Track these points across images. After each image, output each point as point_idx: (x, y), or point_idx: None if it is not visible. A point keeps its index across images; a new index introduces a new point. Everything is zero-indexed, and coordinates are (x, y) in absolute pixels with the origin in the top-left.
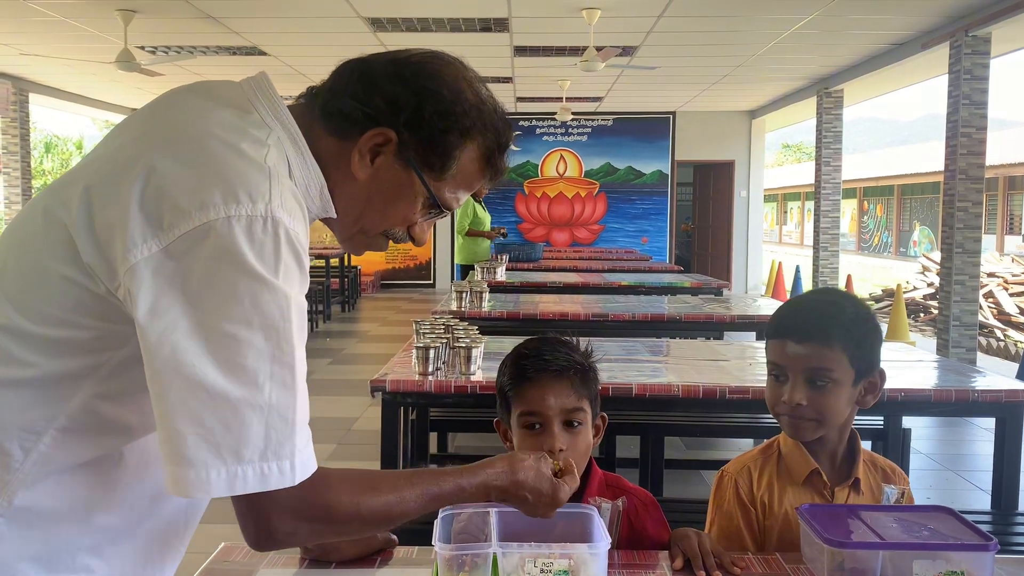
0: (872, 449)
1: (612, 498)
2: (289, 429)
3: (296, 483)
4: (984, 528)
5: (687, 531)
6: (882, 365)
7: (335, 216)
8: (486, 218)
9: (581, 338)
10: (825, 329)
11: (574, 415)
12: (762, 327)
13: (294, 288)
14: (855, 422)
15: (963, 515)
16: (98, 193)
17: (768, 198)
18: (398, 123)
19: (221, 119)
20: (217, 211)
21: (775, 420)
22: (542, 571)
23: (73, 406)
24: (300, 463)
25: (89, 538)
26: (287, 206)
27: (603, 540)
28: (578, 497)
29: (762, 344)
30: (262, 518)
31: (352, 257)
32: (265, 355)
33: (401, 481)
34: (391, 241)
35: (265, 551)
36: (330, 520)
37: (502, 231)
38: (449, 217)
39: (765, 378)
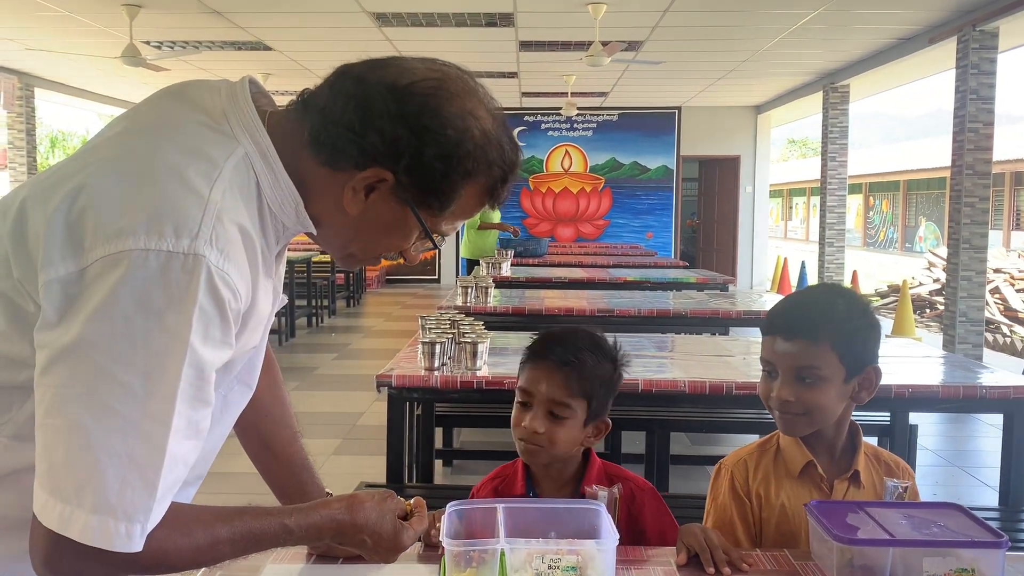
0: (878, 445)
1: (608, 486)
2: (148, 492)
3: (133, 551)
4: (992, 525)
5: (693, 527)
6: (881, 361)
7: (315, 232)
8: (496, 213)
9: (618, 340)
10: (813, 327)
11: (559, 408)
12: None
13: (209, 338)
14: (861, 418)
15: (973, 512)
16: (32, 205)
17: (773, 193)
18: (396, 166)
19: (181, 137)
20: (136, 241)
21: None
22: (550, 567)
23: (23, 414)
24: (150, 528)
25: None
26: (220, 243)
27: (611, 536)
28: (576, 487)
29: None
30: (52, 553)
31: None
32: (139, 404)
33: (218, 521)
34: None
35: None
36: (130, 565)
37: (515, 230)
38: None
39: None
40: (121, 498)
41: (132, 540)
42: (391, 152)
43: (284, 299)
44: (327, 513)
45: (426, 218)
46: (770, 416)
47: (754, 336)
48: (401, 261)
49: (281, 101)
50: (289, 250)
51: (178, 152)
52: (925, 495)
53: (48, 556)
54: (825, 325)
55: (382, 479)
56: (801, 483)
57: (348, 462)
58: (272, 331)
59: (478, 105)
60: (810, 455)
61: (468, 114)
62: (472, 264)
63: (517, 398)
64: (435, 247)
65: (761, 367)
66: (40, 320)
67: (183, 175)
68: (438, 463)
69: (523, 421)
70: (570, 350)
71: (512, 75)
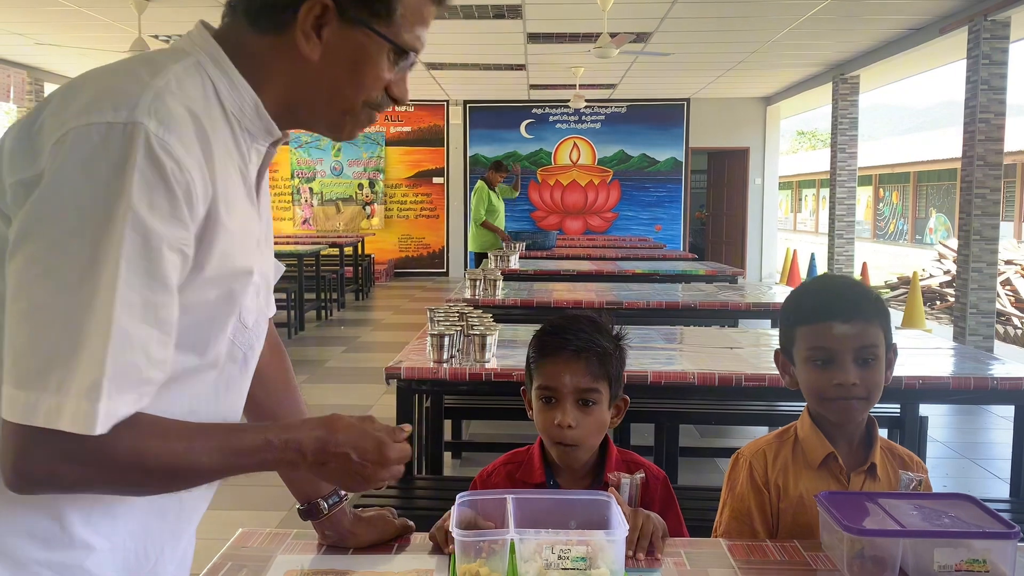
0: (889, 437)
1: (629, 473)
2: (96, 367)
3: (93, 434)
4: (1003, 516)
5: (644, 512)
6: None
7: (280, 136)
8: (500, 206)
9: (615, 322)
10: (865, 307)
11: (588, 394)
12: (777, 315)
13: (155, 207)
14: (870, 410)
15: (984, 503)
16: (9, 134)
17: (783, 185)
18: None
19: (141, 56)
20: (78, 119)
21: (791, 408)
22: (560, 557)
23: None
24: (105, 412)
25: (81, 512)
26: (159, 115)
27: (620, 527)
28: (598, 475)
29: (776, 332)
30: (21, 452)
31: (365, 245)
32: (89, 277)
33: (196, 431)
34: (377, 112)
35: (24, 494)
36: (104, 465)
37: (516, 169)
38: (463, 206)
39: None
40: (72, 374)
41: (87, 420)
42: None
43: (282, 268)
44: (307, 428)
45: (383, 30)
46: (780, 408)
47: (763, 328)
48: (395, 108)
49: None
50: (297, 243)
51: (133, 62)
52: (935, 487)
53: (17, 459)
54: (871, 305)
55: None
56: (820, 475)
57: None
58: (281, 324)
59: None
60: (831, 446)
61: None
62: (480, 257)
63: (537, 397)
64: (408, 58)
65: (807, 359)
66: (11, 224)
67: (134, 72)
68: (447, 455)
69: (555, 419)
70: (581, 337)
71: (520, 67)
